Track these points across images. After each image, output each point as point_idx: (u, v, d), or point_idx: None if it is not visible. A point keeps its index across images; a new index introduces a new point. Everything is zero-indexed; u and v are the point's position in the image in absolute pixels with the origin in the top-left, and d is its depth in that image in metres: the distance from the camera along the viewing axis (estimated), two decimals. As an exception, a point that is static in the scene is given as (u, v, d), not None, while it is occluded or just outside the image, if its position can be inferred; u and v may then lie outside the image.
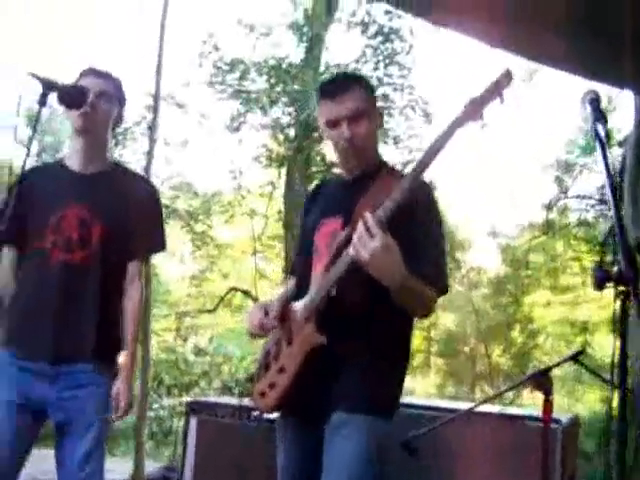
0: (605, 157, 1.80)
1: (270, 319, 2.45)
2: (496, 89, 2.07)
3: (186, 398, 12.05)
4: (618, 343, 1.66)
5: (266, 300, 2.58)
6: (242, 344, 14.70)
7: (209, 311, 14.29)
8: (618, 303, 1.65)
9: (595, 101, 1.88)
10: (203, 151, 16.47)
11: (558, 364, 3.01)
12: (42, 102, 2.41)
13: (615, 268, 1.63)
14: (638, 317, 1.53)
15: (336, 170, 12.20)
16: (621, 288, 1.61)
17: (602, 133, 1.82)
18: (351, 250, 2.13)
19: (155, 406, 11.54)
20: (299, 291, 2.50)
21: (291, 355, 2.35)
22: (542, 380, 2.92)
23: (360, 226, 2.09)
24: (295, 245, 2.74)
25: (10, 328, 2.74)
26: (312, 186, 11.07)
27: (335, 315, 2.30)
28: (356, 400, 2.28)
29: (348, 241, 2.19)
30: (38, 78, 2.41)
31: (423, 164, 2.13)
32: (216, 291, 15.64)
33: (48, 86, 2.42)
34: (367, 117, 2.42)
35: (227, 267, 16.12)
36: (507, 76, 2.07)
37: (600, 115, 1.85)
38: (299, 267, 2.59)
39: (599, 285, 1.65)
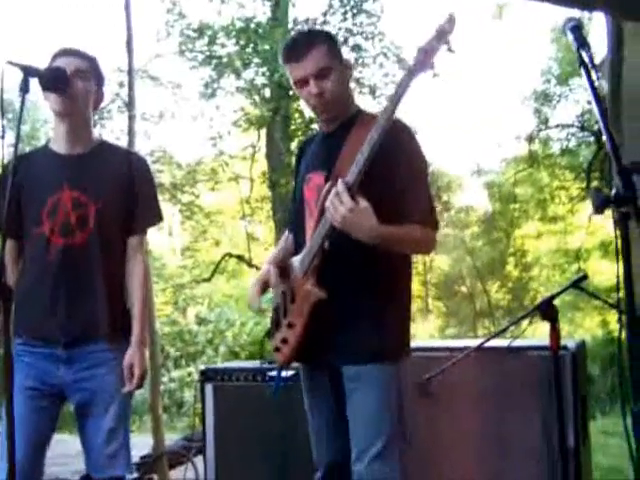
0: (591, 83, 1.80)
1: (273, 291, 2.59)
2: (441, 37, 2.11)
3: (194, 368, 12.19)
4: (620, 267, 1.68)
5: (262, 273, 2.65)
6: (241, 309, 14.80)
7: (205, 280, 14.32)
8: (613, 226, 1.67)
9: (577, 28, 1.88)
10: (181, 121, 16.31)
11: (562, 292, 3.04)
12: (24, 89, 2.37)
13: (613, 191, 1.65)
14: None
15: (316, 125, 12.23)
16: (621, 210, 1.63)
17: (587, 59, 1.82)
18: (327, 215, 2.26)
19: (164, 379, 11.63)
20: (297, 245, 2.60)
21: (296, 311, 2.44)
22: (547, 309, 2.96)
23: (331, 193, 2.23)
24: (290, 201, 2.83)
25: (20, 316, 2.71)
26: (295, 144, 11.05)
27: (333, 266, 2.37)
28: (364, 350, 2.39)
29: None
30: (17, 65, 2.37)
31: (385, 116, 2.19)
32: (210, 259, 15.66)
33: (28, 72, 2.39)
34: (333, 71, 2.46)
35: (218, 234, 16.10)
36: (450, 22, 2.11)
37: (583, 41, 1.85)
38: (294, 222, 2.67)
39: (599, 209, 1.67)
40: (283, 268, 2.57)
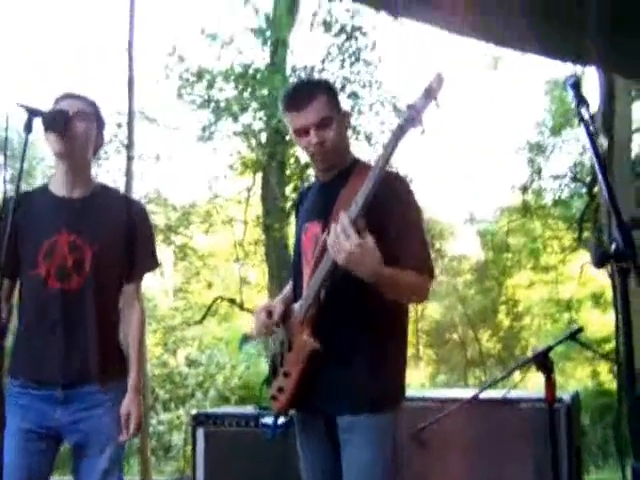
0: (592, 140, 1.83)
1: (273, 320, 2.55)
2: (429, 95, 2.17)
3: (183, 411, 12.05)
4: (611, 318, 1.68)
5: (270, 302, 2.68)
6: (231, 352, 14.71)
7: (196, 322, 14.27)
8: (610, 279, 1.69)
9: (577, 85, 1.91)
10: (177, 163, 16.44)
11: (558, 343, 3.05)
12: (28, 128, 2.43)
13: (613, 246, 1.67)
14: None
15: (311, 170, 12.29)
16: (621, 265, 1.65)
17: (586, 116, 1.86)
18: (329, 251, 2.23)
19: (153, 422, 11.49)
20: (295, 295, 2.61)
21: (292, 360, 2.45)
22: (543, 361, 2.97)
23: (335, 227, 2.19)
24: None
25: (16, 357, 2.74)
26: (290, 188, 11.05)
27: (329, 316, 2.39)
28: (360, 399, 2.38)
29: (326, 246, 2.28)
30: (23, 106, 2.42)
31: (378, 168, 2.22)
32: (201, 301, 15.62)
33: (33, 112, 2.44)
34: (333, 121, 2.49)
35: (210, 277, 16.08)
36: (438, 80, 2.17)
37: (583, 99, 1.89)
38: (293, 271, 2.67)
39: (598, 263, 1.69)
40: (286, 311, 2.57)
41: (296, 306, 2.51)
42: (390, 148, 2.23)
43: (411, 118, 2.19)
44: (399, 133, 2.21)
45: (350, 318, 2.40)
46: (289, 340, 2.50)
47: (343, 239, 2.16)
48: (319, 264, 2.35)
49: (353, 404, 2.38)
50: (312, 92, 2.50)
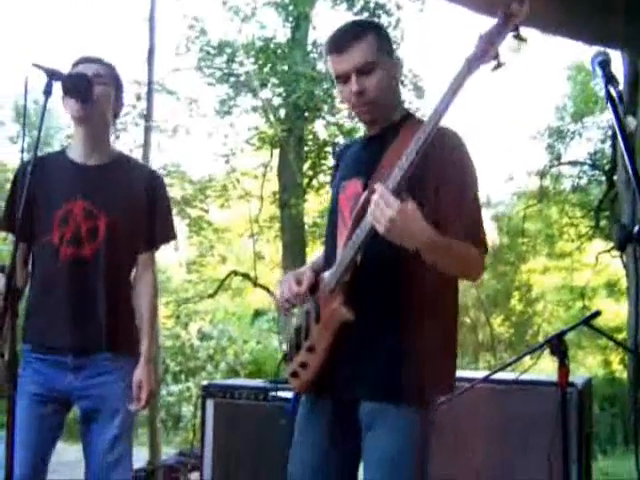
0: (618, 120, 1.78)
1: (302, 289, 2.27)
2: (508, 21, 1.76)
3: (192, 383, 12.14)
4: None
5: (299, 270, 2.39)
6: (243, 327, 14.76)
7: (210, 296, 14.30)
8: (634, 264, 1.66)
9: (605, 63, 1.86)
10: (195, 136, 16.34)
11: (573, 327, 3.02)
12: (48, 91, 2.39)
13: (636, 227, 1.63)
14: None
15: (329, 148, 12.13)
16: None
17: (614, 94, 1.81)
18: (369, 219, 1.94)
19: (163, 393, 11.57)
20: (328, 260, 2.29)
21: (319, 333, 2.17)
22: (558, 344, 2.93)
23: (375, 196, 1.89)
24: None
25: (30, 324, 2.75)
26: (307, 165, 10.91)
27: (364, 285, 2.10)
28: (396, 384, 2.08)
29: (368, 204, 1.97)
30: (42, 68, 2.39)
31: (437, 114, 1.87)
32: (215, 275, 15.64)
33: (52, 75, 2.40)
34: (379, 68, 2.18)
35: (224, 251, 16.08)
36: (520, 2, 1.74)
37: (611, 77, 1.83)
38: (327, 234, 2.38)
39: (621, 244, 1.66)
40: (315, 280, 2.27)
41: (326, 274, 2.21)
42: (453, 88, 1.83)
43: (483, 49, 1.77)
44: (466, 71, 1.81)
45: (392, 288, 2.10)
46: (317, 311, 2.20)
47: (384, 206, 1.85)
48: (358, 225, 2.04)
49: (387, 388, 2.08)
50: (358, 33, 2.19)
